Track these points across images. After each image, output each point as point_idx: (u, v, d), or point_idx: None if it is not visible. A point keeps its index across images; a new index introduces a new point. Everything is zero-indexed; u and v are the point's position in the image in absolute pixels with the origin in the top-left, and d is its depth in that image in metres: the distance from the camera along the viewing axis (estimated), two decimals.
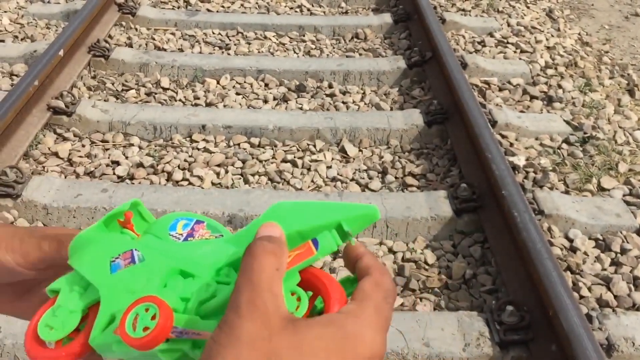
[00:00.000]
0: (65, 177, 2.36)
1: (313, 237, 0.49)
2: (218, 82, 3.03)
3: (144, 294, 0.46)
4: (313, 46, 3.43)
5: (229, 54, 3.32)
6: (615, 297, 1.93)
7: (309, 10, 3.88)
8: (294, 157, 2.48)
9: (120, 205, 0.54)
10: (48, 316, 0.49)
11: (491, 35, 3.55)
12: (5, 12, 3.60)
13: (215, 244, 0.51)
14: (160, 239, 0.51)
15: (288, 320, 0.42)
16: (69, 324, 0.48)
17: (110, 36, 3.40)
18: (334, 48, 3.44)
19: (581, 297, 1.92)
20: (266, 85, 3.04)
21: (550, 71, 3.19)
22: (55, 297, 0.50)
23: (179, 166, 2.41)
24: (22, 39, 3.34)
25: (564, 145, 2.62)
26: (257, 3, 3.91)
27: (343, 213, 0.49)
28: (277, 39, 3.49)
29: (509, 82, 3.08)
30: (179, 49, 3.35)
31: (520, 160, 2.47)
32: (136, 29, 3.52)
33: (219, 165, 2.43)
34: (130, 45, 3.34)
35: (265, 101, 2.91)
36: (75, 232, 0.54)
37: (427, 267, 2.03)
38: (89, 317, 0.49)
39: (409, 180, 2.41)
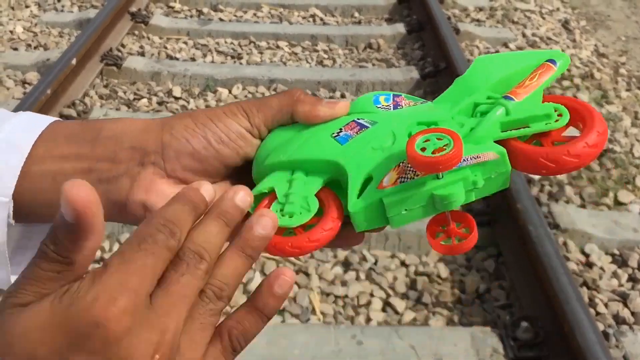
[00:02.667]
0: None
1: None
2: (230, 92, 3.02)
3: (397, 149, 0.44)
4: (326, 56, 3.41)
5: (241, 63, 3.31)
6: (633, 313, 1.88)
7: (321, 19, 3.88)
8: None
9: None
10: (278, 206, 0.46)
11: (506, 45, 3.52)
12: (18, 20, 3.62)
13: (428, 107, 0.49)
14: (371, 112, 0.49)
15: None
16: (310, 206, 0.46)
17: (122, 45, 3.40)
18: (346, 58, 3.43)
19: (597, 313, 1.88)
20: None
21: (566, 83, 3.15)
22: (272, 195, 0.47)
23: None
24: (35, 47, 3.35)
25: None
26: (269, 12, 3.91)
27: (543, 56, 0.49)
28: (289, 49, 3.48)
29: None
30: (191, 58, 3.34)
31: None
32: (149, 38, 3.52)
33: None
34: (143, 54, 3.34)
35: None
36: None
37: (440, 281, 2.00)
38: (322, 201, 0.47)
39: None
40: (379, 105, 0.49)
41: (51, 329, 0.33)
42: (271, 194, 0.47)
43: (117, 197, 0.47)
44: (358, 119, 0.48)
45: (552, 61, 0.48)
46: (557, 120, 0.46)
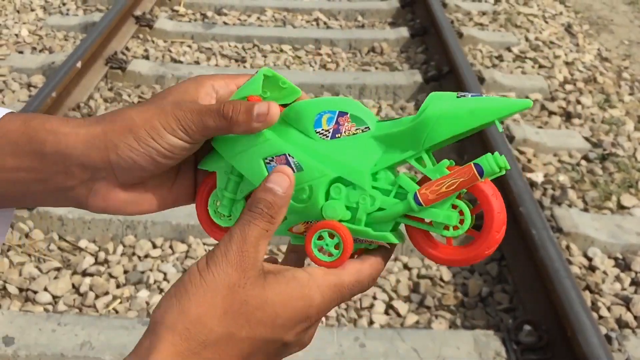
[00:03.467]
0: None
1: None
2: None
3: (310, 208, 0.52)
4: (329, 59, 3.42)
5: (244, 67, 3.32)
6: (635, 317, 1.89)
7: (325, 23, 3.89)
8: None
9: (253, 78, 0.54)
10: (213, 201, 0.55)
11: (509, 50, 3.53)
12: (24, 23, 3.64)
13: (365, 142, 0.51)
14: (307, 136, 0.52)
15: (261, 274, 0.48)
16: (235, 213, 0.54)
17: (127, 48, 3.42)
18: (350, 62, 3.44)
19: (600, 317, 1.88)
20: None
21: (569, 87, 3.16)
22: (214, 175, 0.55)
23: None
24: (40, 51, 3.37)
25: (583, 162, 2.59)
26: (273, 16, 3.92)
27: (498, 112, 0.48)
28: (293, 52, 3.49)
29: (527, 98, 3.05)
30: (195, 61, 3.36)
31: (538, 177, 2.44)
32: (153, 42, 3.54)
33: None
34: (147, 58, 3.35)
35: None
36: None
37: (442, 284, 2.00)
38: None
39: None
40: (318, 130, 0.52)
41: (287, 308, 0.48)
42: (213, 178, 0.55)
43: (77, 202, 0.53)
44: (289, 155, 0.51)
45: (479, 167, 0.48)
46: (456, 228, 0.50)
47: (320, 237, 0.51)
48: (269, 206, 0.49)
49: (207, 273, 0.47)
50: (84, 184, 0.52)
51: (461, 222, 0.50)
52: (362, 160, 0.51)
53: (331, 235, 0.51)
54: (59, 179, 0.51)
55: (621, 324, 1.87)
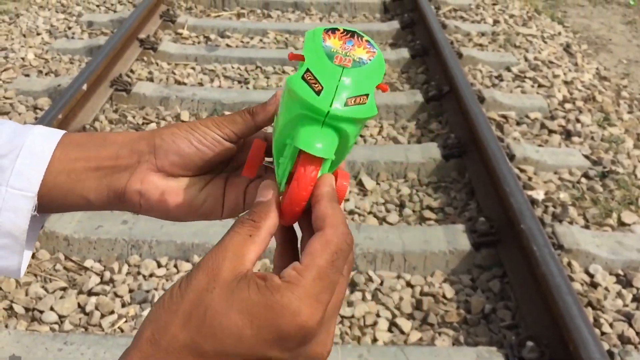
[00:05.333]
0: None
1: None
2: None
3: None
4: None
5: (247, 88, 3.37)
6: (638, 333, 1.90)
7: None
8: None
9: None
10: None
11: (508, 69, 3.57)
12: (30, 47, 3.70)
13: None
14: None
15: (235, 280, 0.44)
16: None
17: (132, 71, 3.47)
18: None
19: (602, 333, 1.89)
20: None
21: (568, 105, 3.19)
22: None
23: None
24: (46, 74, 3.42)
25: (583, 180, 2.61)
26: (275, 38, 3.98)
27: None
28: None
29: (527, 117, 3.08)
30: (198, 83, 3.40)
31: (539, 195, 2.46)
32: (157, 64, 3.59)
33: None
34: (152, 80, 3.40)
35: None
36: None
37: (445, 301, 2.02)
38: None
39: (427, 213, 2.40)
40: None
41: (254, 319, 0.43)
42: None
43: (118, 186, 0.59)
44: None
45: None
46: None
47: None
48: (251, 213, 0.50)
49: (183, 281, 0.46)
50: (128, 169, 0.59)
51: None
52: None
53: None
54: (108, 164, 0.59)
55: (623, 340, 1.88)
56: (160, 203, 0.59)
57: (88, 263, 2.11)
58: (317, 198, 0.50)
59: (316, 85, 0.49)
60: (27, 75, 3.37)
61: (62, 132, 0.61)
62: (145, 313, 1.91)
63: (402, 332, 1.90)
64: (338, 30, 0.54)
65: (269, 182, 0.52)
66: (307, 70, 0.49)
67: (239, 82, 3.43)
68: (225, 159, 0.61)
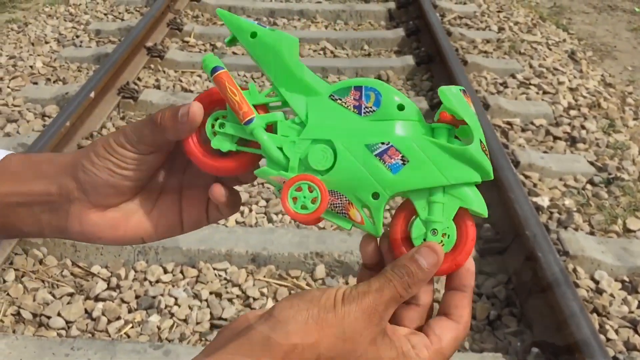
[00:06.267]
0: None
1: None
2: None
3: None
4: None
5: None
6: None
7: (332, 52, 3.96)
8: None
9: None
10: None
11: (513, 76, 3.58)
12: (38, 55, 3.73)
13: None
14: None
15: (381, 332, 0.49)
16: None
17: (139, 78, 3.49)
18: None
19: (608, 339, 1.89)
20: None
21: (573, 112, 3.20)
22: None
23: None
24: (54, 82, 3.45)
25: (589, 186, 2.61)
26: None
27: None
28: None
29: (532, 123, 3.09)
30: (205, 90, 3.42)
31: (544, 201, 2.46)
32: (164, 72, 3.61)
33: (243, 204, 2.46)
34: (159, 87, 3.42)
35: None
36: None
37: None
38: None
39: None
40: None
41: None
42: None
43: (58, 224, 0.57)
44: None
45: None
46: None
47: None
48: (410, 274, 0.51)
49: (340, 306, 0.48)
50: (62, 207, 0.56)
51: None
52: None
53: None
54: (43, 201, 0.56)
55: (629, 346, 1.87)
56: (106, 235, 0.57)
57: (95, 269, 2.12)
58: (460, 288, 0.56)
59: (486, 152, 0.53)
60: (36, 83, 3.40)
61: (4, 154, 0.59)
62: (151, 319, 1.92)
63: None
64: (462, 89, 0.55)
65: (436, 246, 0.53)
66: (480, 141, 0.53)
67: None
68: (158, 165, 0.57)
